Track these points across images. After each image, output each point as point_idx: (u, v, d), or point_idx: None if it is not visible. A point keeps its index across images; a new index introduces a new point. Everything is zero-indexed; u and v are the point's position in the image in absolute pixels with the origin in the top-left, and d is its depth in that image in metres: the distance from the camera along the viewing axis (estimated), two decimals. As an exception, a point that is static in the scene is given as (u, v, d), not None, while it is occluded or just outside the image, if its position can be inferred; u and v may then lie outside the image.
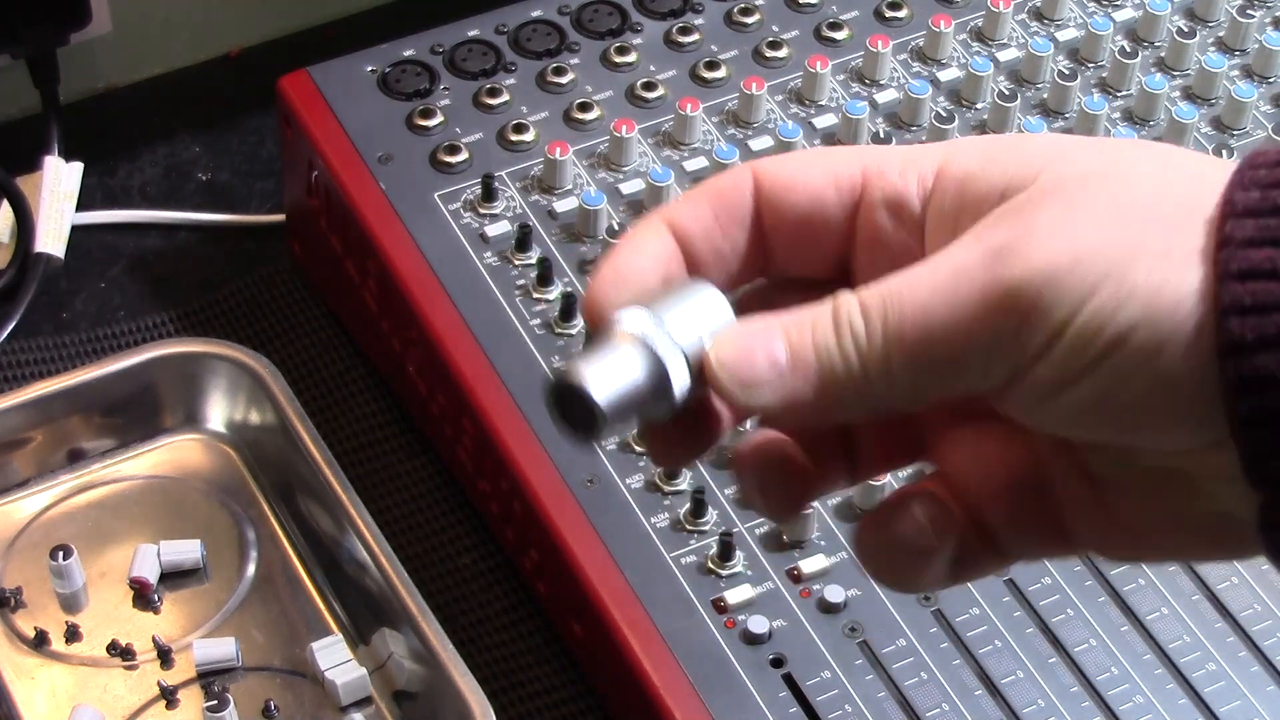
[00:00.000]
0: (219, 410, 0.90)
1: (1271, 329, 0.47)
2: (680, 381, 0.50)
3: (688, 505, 0.79)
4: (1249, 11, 0.96)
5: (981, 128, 0.92)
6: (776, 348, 0.50)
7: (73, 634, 0.83)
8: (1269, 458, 0.47)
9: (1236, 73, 0.95)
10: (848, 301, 0.50)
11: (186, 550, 0.86)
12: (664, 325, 0.50)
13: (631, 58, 0.94)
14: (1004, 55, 0.95)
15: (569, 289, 0.85)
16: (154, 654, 0.83)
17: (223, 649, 0.83)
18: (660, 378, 0.50)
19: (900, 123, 0.92)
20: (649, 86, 0.93)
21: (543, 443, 0.81)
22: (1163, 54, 0.95)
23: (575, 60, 0.94)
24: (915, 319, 0.49)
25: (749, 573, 0.78)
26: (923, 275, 0.50)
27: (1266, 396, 0.47)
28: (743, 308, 0.52)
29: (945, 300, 0.49)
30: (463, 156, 0.90)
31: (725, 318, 0.51)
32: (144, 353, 0.89)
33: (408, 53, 0.93)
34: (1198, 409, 0.48)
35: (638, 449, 0.81)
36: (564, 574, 0.79)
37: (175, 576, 0.86)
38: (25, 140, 1.05)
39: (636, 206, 0.89)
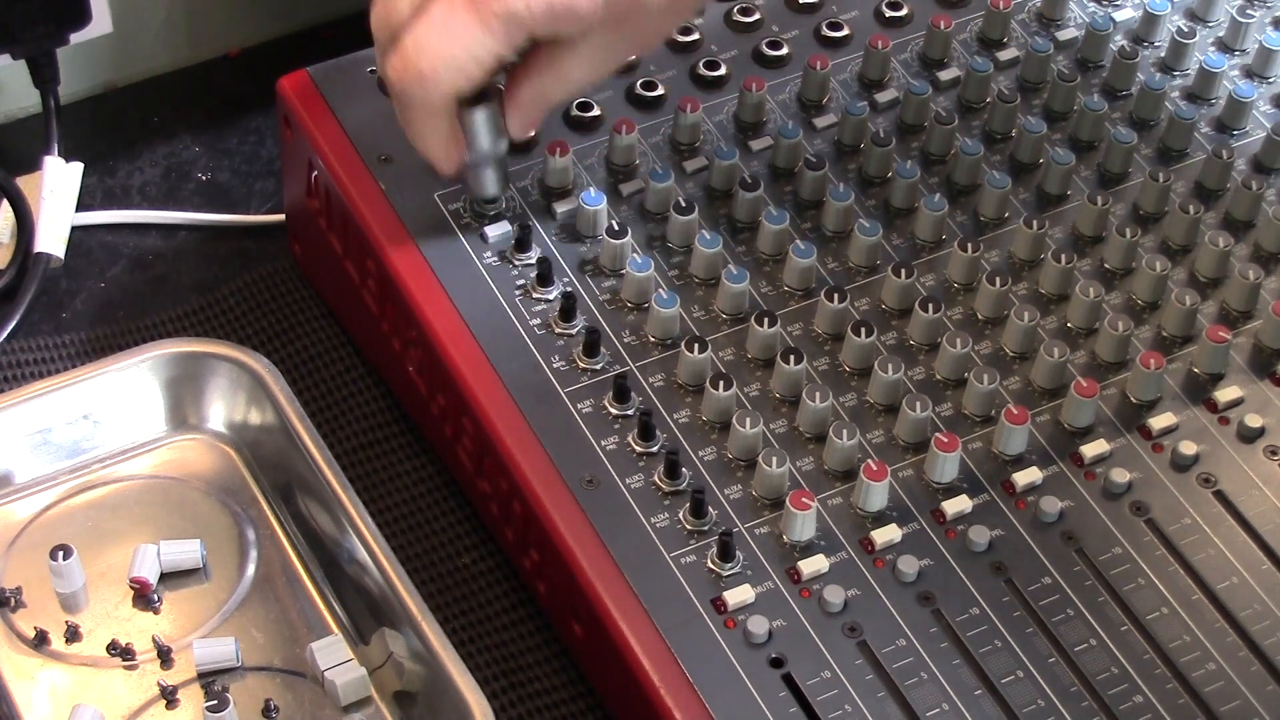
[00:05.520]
0: (219, 410, 0.90)
1: None
2: None
3: (687, 505, 0.79)
4: (1249, 11, 0.96)
5: (982, 128, 0.92)
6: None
7: (73, 634, 0.83)
8: None
9: (1236, 73, 0.95)
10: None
11: (186, 550, 0.86)
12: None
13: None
14: (1004, 55, 0.95)
15: (569, 289, 0.85)
16: (154, 654, 0.83)
17: (223, 649, 0.83)
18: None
19: (901, 123, 0.92)
20: (649, 86, 0.92)
21: (542, 443, 0.81)
22: (1162, 54, 0.95)
23: (575, 60, 0.94)
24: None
25: (749, 573, 0.78)
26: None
27: None
28: None
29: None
30: (463, 156, 0.90)
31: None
32: (144, 353, 0.89)
33: (408, 53, 0.93)
34: None
35: (638, 449, 0.81)
36: (564, 574, 0.79)
37: (175, 576, 0.86)
38: (25, 140, 1.05)
39: (636, 206, 0.89)
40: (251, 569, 0.86)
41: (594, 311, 0.85)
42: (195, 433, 0.90)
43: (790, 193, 0.90)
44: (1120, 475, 0.81)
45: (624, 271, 0.86)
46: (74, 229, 1.01)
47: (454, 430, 0.86)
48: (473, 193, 0.88)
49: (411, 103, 0.81)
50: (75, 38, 1.02)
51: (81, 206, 1.02)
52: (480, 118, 0.85)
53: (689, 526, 0.79)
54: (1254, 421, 0.83)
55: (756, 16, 0.96)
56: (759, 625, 0.76)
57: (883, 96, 0.93)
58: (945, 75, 0.94)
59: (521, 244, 0.86)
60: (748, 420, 0.81)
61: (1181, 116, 0.91)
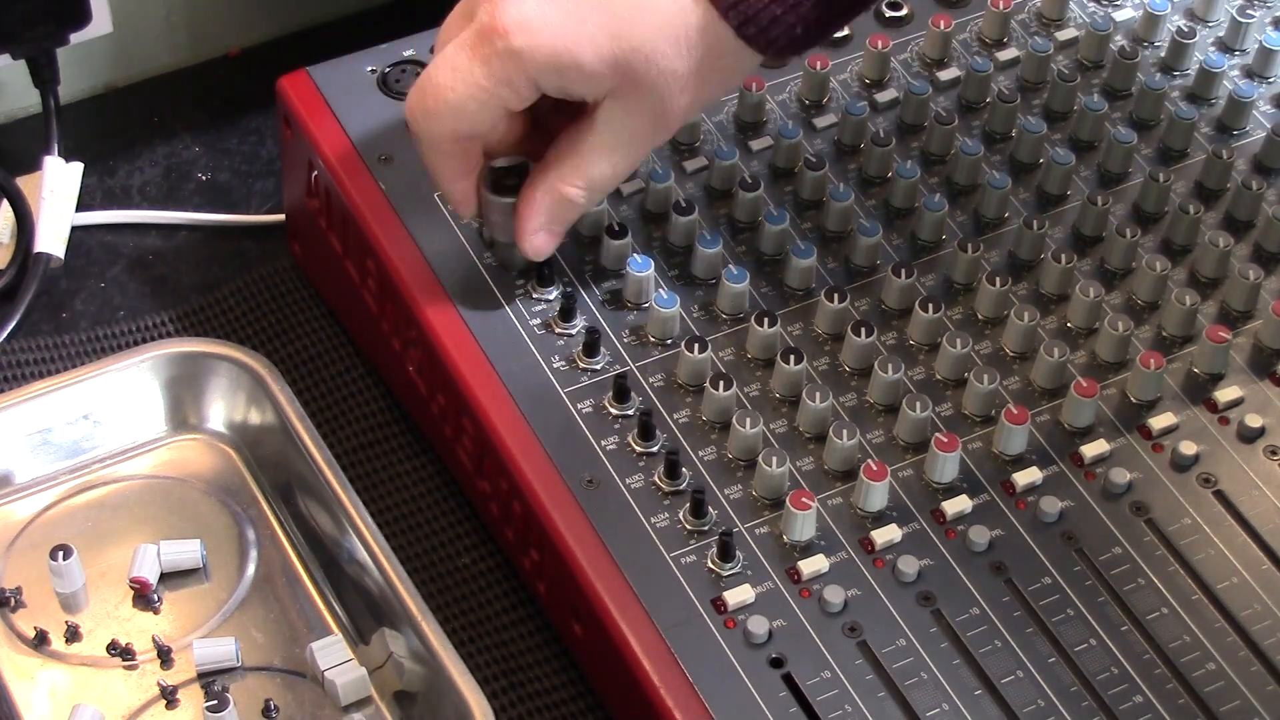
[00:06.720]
0: (219, 410, 0.90)
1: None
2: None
3: (687, 505, 0.79)
4: (1249, 11, 0.96)
5: (982, 128, 0.92)
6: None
7: (73, 634, 0.83)
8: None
9: (1236, 73, 0.95)
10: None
11: (186, 550, 0.86)
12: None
13: (631, 58, 0.94)
14: (1004, 55, 0.95)
15: (569, 289, 0.85)
16: (154, 654, 0.83)
17: (223, 649, 0.83)
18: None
19: (901, 123, 0.92)
20: (649, 86, 0.92)
21: (542, 443, 0.81)
22: (1162, 54, 0.95)
23: (575, 60, 0.93)
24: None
25: (749, 573, 0.78)
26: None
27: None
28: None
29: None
30: (463, 156, 0.90)
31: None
32: (144, 353, 0.89)
33: (408, 53, 0.93)
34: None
35: (638, 449, 0.81)
36: (564, 574, 0.79)
37: (175, 576, 0.86)
38: (25, 140, 1.05)
39: (636, 206, 0.89)
40: (251, 569, 0.86)
41: (594, 311, 0.85)
42: (195, 433, 0.90)
43: (790, 193, 0.90)
44: (1120, 475, 0.81)
45: (624, 271, 0.86)
46: (74, 229, 1.01)
47: (454, 430, 0.86)
48: (499, 261, 0.86)
49: (418, 137, 0.81)
50: (75, 38, 1.02)
51: (81, 206, 1.02)
52: (500, 206, 0.83)
53: (689, 526, 0.79)
54: (1254, 421, 0.83)
55: (756, 16, 0.96)
56: (759, 625, 0.76)
57: (883, 96, 0.93)
58: (945, 75, 0.94)
59: (521, 244, 0.87)
60: (748, 420, 0.81)
61: (1181, 116, 0.91)
